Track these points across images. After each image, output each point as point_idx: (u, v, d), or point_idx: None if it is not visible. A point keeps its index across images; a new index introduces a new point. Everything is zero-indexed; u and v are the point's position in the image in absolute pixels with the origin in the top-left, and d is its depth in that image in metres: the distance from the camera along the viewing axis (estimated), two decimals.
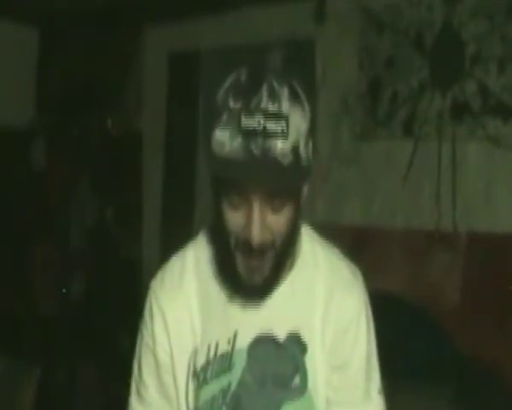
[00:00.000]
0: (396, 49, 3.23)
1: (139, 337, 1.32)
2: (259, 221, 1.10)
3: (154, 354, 1.27)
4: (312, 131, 1.14)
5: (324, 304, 1.24)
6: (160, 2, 3.84)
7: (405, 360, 2.75)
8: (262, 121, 1.07)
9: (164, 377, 1.27)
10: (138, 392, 1.31)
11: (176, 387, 1.26)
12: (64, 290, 4.22)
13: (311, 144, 1.14)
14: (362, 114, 3.34)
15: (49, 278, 4.32)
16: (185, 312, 1.26)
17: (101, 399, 3.73)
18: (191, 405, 1.24)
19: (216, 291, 1.24)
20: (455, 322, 2.96)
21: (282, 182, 1.10)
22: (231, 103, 1.09)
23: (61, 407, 3.84)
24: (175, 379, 1.26)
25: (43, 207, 4.42)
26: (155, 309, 1.28)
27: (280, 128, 1.07)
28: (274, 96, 1.08)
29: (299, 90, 1.12)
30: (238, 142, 1.07)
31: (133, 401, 1.32)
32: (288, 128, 1.08)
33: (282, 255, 1.17)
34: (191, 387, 1.24)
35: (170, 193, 4.05)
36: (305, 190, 1.21)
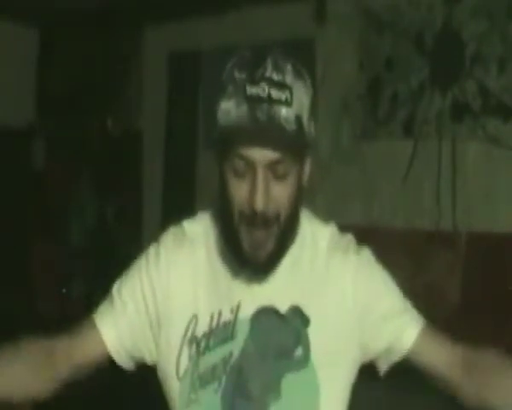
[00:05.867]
0: (396, 49, 3.23)
1: (132, 268, 1.32)
2: (263, 188, 1.12)
3: (142, 293, 1.27)
4: (315, 109, 1.18)
5: (321, 275, 1.25)
6: (160, 2, 3.84)
7: (405, 359, 2.74)
8: (267, 89, 1.11)
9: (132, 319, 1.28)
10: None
11: (169, 348, 1.25)
12: (64, 290, 4.22)
13: (313, 124, 1.18)
14: (362, 114, 3.34)
15: (49, 278, 4.32)
16: (190, 275, 1.26)
17: (101, 399, 3.73)
18: (182, 370, 1.24)
19: (222, 264, 1.25)
20: (455, 322, 2.96)
21: (285, 145, 1.13)
22: (236, 75, 1.13)
23: (61, 406, 3.83)
24: (168, 339, 1.25)
25: (43, 207, 4.43)
26: (163, 258, 1.27)
27: (284, 96, 1.11)
28: (278, 68, 1.13)
29: (302, 68, 1.17)
30: (243, 109, 1.11)
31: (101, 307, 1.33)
32: (292, 97, 1.12)
33: (286, 231, 1.18)
34: (186, 352, 1.24)
35: (170, 193, 4.05)
36: (307, 169, 1.23)
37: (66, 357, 1.28)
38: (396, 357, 1.29)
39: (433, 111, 3.12)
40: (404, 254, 3.09)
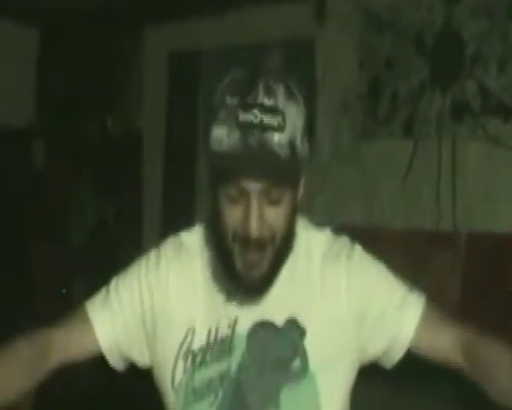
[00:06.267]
0: (396, 49, 3.23)
1: (131, 269, 1.31)
2: (257, 214, 1.12)
3: (141, 298, 1.27)
4: (309, 127, 1.17)
5: (319, 287, 1.25)
6: (160, 2, 3.84)
7: (405, 359, 2.74)
8: (259, 115, 1.10)
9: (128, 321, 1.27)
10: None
11: (164, 358, 1.25)
12: (64, 290, 4.22)
13: (307, 140, 1.17)
14: (362, 114, 3.33)
15: (49, 278, 4.32)
16: (189, 286, 1.26)
17: (101, 399, 3.73)
18: (176, 381, 1.24)
19: (217, 280, 1.25)
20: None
21: (279, 173, 1.12)
22: (228, 100, 1.13)
23: (60, 406, 3.84)
24: (164, 349, 1.25)
25: (43, 207, 4.42)
26: (163, 265, 1.27)
27: (276, 121, 1.11)
28: (270, 93, 1.12)
29: (295, 88, 1.16)
30: (236, 136, 1.10)
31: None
32: (285, 122, 1.11)
33: (281, 252, 1.18)
34: (181, 364, 1.24)
35: (170, 193, 4.05)
36: (302, 186, 1.23)
37: (58, 352, 1.28)
38: (397, 355, 1.29)
39: (433, 111, 3.12)
40: (404, 254, 3.09)
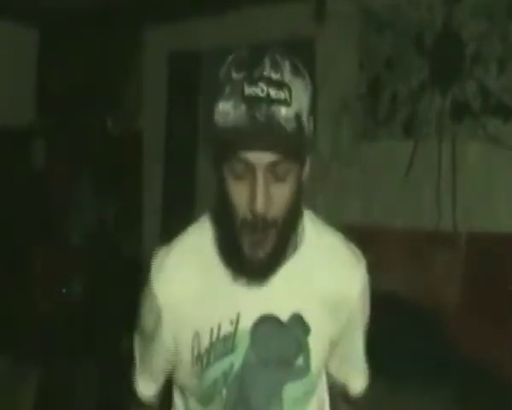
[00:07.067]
0: (396, 49, 3.23)
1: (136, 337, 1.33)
2: (264, 189, 1.10)
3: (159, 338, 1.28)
4: (313, 109, 1.16)
5: (325, 285, 1.24)
6: (160, 2, 3.84)
7: (405, 360, 2.74)
8: (265, 88, 1.09)
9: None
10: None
11: (181, 369, 1.28)
12: (64, 290, 4.22)
13: (312, 120, 1.16)
14: (362, 114, 3.34)
15: (49, 278, 4.32)
16: (187, 294, 1.25)
17: (100, 399, 3.73)
18: (190, 387, 1.25)
19: (219, 273, 1.23)
20: (455, 322, 2.96)
21: (286, 146, 1.11)
22: (234, 75, 1.11)
23: (60, 407, 3.84)
24: (180, 359, 1.27)
25: (43, 207, 4.42)
26: (159, 291, 1.27)
27: (283, 95, 1.09)
28: (276, 67, 1.11)
29: (300, 65, 1.15)
30: (242, 110, 1.08)
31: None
32: (291, 96, 1.10)
33: (284, 232, 1.17)
34: (193, 370, 1.24)
35: (170, 193, 4.05)
36: (307, 167, 1.21)
37: None
38: None
39: (433, 111, 3.12)
40: (404, 254, 3.09)
